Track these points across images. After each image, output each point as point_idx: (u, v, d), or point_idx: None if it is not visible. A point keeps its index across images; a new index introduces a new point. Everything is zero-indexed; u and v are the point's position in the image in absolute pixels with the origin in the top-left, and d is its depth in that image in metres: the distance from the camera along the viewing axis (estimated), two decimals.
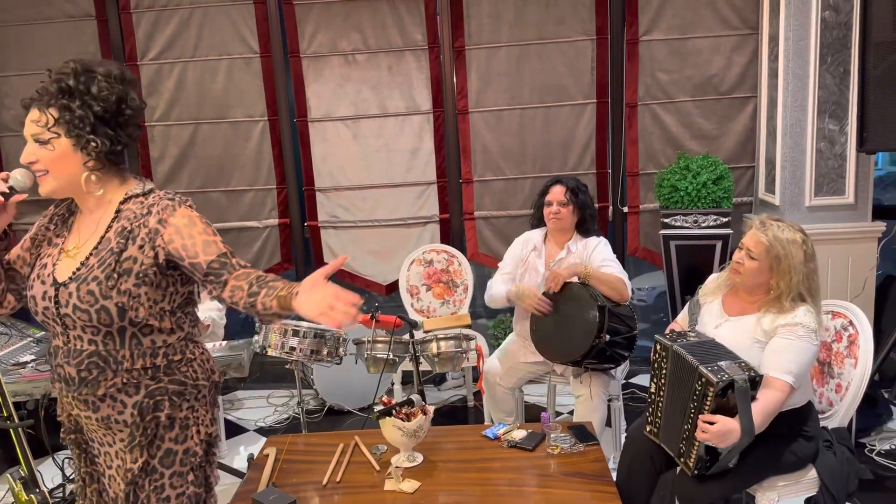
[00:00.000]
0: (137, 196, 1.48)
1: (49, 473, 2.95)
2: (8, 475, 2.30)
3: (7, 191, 1.39)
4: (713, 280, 2.35)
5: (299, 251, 4.40)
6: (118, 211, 1.46)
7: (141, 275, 1.40)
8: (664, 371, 2.13)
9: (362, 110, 4.22)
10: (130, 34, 4.10)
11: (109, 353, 1.41)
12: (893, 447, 3.14)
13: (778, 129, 3.72)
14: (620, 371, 2.99)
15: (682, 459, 2.01)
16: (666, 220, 3.83)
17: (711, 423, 1.84)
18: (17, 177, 1.42)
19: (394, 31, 4.10)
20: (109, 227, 1.45)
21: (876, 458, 3.05)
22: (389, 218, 4.33)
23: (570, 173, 4.01)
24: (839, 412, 2.23)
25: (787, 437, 2.05)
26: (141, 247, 1.40)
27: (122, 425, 1.45)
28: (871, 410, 3.33)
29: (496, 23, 4.07)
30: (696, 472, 1.94)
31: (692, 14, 3.99)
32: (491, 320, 4.39)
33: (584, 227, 2.94)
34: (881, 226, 3.63)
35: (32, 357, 2.94)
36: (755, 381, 1.91)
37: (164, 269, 1.43)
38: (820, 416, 2.25)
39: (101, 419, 1.46)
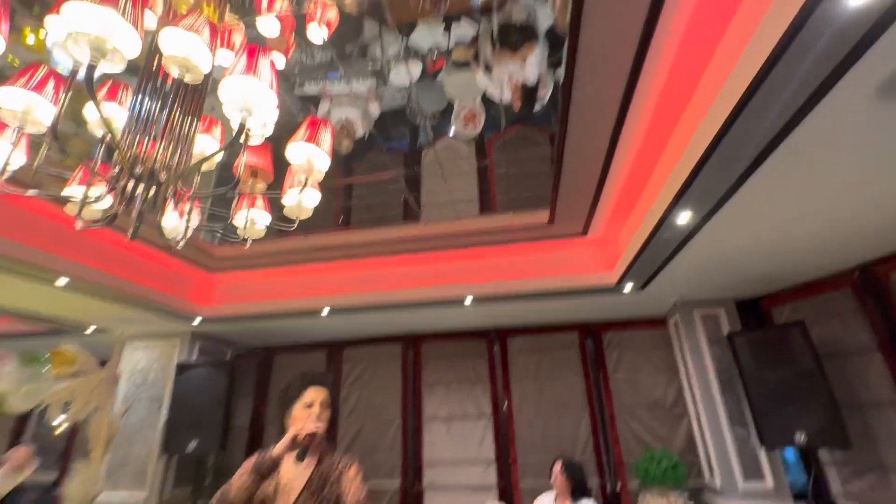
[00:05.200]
0: (327, 452, 1.55)
1: None
2: None
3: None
4: None
5: None
6: (319, 461, 1.51)
7: None
8: None
9: (452, 414, 4.61)
10: (339, 369, 5.04)
11: None
12: None
13: (706, 433, 3.77)
14: None
15: None
16: (645, 496, 3.72)
17: None
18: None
19: (472, 371, 4.73)
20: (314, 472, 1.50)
21: None
22: (466, 483, 4.33)
23: (579, 458, 4.07)
24: None
25: None
26: (332, 484, 1.46)
27: None
28: None
29: (526, 367, 4.63)
30: None
31: (636, 364, 4.43)
32: None
33: (574, 493, 2.90)
34: None
35: None
36: None
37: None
38: None
39: None
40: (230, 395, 4.32)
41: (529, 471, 4.32)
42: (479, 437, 4.54)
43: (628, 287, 3.74)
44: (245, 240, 1.66)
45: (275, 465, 1.41)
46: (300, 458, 1.43)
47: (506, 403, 4.62)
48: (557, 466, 2.97)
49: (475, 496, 4.31)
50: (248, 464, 1.41)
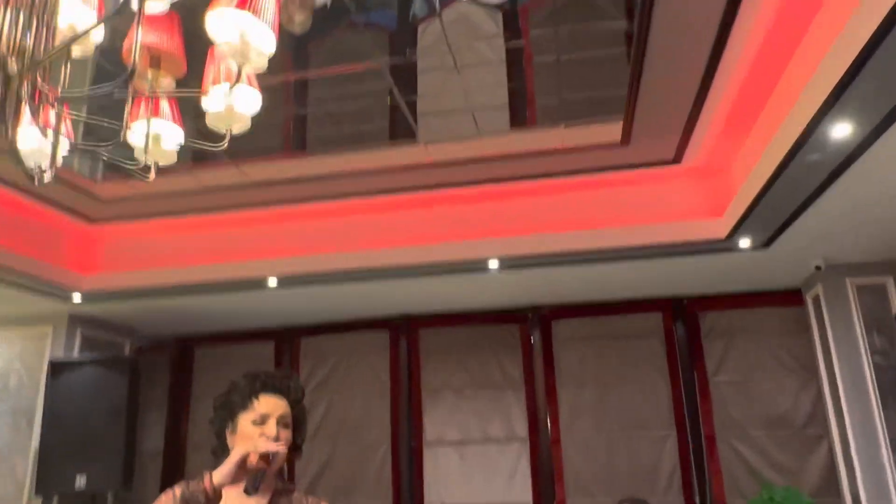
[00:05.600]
0: (282, 491, 1.67)
1: None
2: None
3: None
4: None
5: None
6: (271, 501, 1.63)
7: None
8: None
9: (468, 434, 4.79)
10: (295, 368, 5.18)
11: None
12: None
13: (855, 466, 3.83)
14: None
15: None
16: None
17: None
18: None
19: (497, 371, 4.87)
20: None
21: None
22: None
23: (661, 501, 4.28)
24: None
25: None
26: None
27: None
28: None
29: (581, 365, 4.77)
30: None
31: (752, 360, 4.52)
32: None
33: None
34: None
35: None
36: None
37: None
38: None
39: None
40: (133, 406, 4.45)
41: None
42: (508, 468, 4.74)
43: (745, 242, 3.74)
44: (146, 169, 1.64)
45: (213, 498, 1.49)
46: (250, 490, 1.50)
47: (549, 419, 4.71)
48: None
49: None
50: (173, 494, 1.49)
